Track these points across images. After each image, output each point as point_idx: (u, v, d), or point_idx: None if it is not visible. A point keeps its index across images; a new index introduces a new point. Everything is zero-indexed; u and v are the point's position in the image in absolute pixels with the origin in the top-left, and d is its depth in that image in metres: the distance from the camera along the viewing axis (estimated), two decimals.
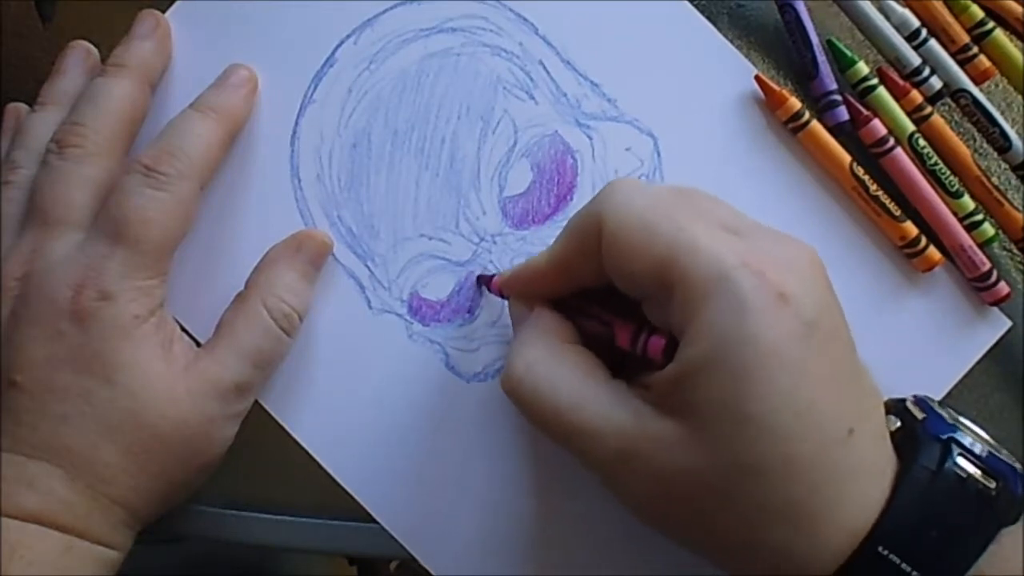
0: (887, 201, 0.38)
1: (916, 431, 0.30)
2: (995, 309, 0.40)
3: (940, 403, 0.33)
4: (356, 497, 0.39)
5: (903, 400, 0.32)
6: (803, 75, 0.40)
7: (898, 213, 0.38)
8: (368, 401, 0.39)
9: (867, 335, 0.39)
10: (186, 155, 0.36)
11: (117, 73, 0.37)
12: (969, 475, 0.29)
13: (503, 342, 0.39)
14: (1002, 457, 0.30)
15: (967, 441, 0.30)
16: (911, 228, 0.38)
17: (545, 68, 0.39)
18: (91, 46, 0.40)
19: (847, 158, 0.38)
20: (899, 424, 0.31)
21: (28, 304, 0.34)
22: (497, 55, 0.39)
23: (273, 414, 0.39)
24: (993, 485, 0.29)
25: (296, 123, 0.39)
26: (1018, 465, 0.31)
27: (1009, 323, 0.40)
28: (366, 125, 0.39)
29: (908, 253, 0.39)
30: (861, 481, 0.29)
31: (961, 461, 0.29)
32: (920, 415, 0.31)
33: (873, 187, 0.38)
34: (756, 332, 0.27)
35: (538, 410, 0.32)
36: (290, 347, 0.38)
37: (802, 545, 0.29)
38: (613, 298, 0.32)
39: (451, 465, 0.39)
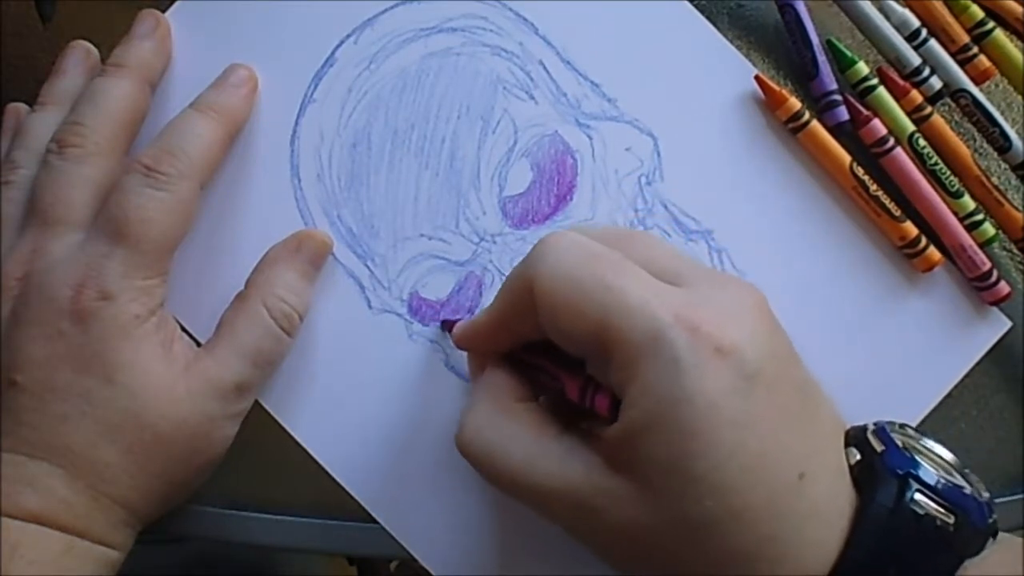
0: (887, 201, 0.38)
1: (875, 465, 0.30)
2: (995, 309, 0.40)
3: (902, 426, 0.33)
4: (356, 496, 0.39)
5: (865, 428, 0.32)
6: (803, 75, 0.39)
7: (898, 213, 0.38)
8: (368, 401, 0.39)
9: (867, 335, 0.39)
10: (186, 155, 0.36)
11: (117, 73, 0.37)
12: (927, 512, 0.29)
13: None
14: (963, 486, 0.30)
15: (927, 474, 0.30)
16: (911, 228, 0.38)
17: (545, 68, 0.39)
18: (91, 46, 0.40)
19: (847, 158, 0.38)
20: (859, 457, 0.31)
21: (28, 304, 0.34)
22: (497, 55, 0.39)
23: (273, 414, 0.39)
24: (952, 520, 0.29)
25: (296, 123, 0.39)
26: (983, 493, 0.31)
27: (1009, 323, 0.40)
28: (366, 125, 0.39)
29: (908, 253, 0.39)
30: (816, 524, 0.29)
31: (919, 497, 0.29)
32: (879, 447, 0.31)
33: (873, 187, 0.38)
34: (693, 390, 0.27)
35: (491, 471, 0.32)
36: (290, 347, 0.38)
37: None
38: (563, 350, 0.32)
39: (451, 464, 0.39)
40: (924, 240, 0.39)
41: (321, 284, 0.39)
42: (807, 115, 0.38)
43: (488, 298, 0.39)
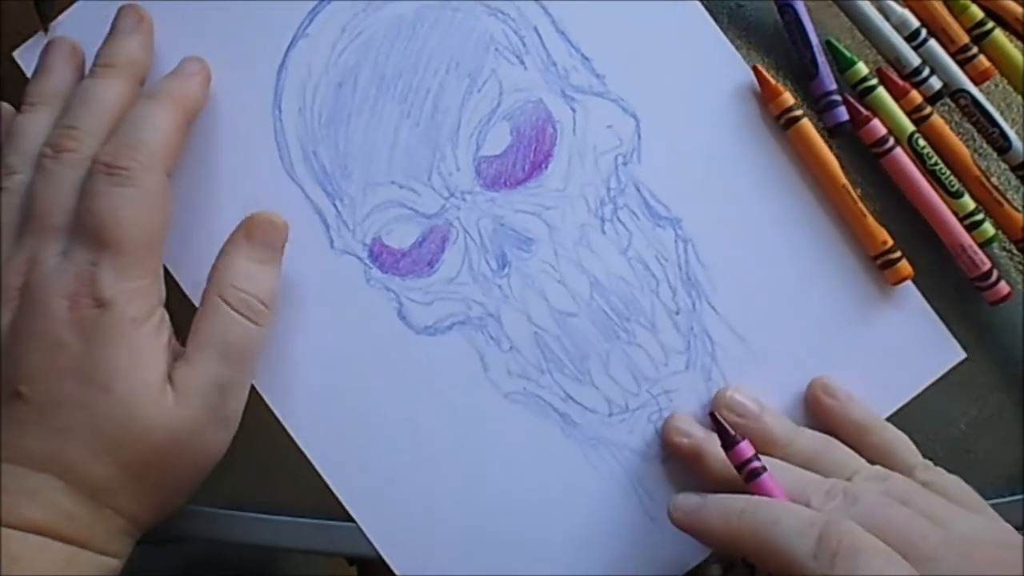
0: (867, 207, 0.38)
1: None
2: (951, 339, 0.39)
3: None
4: (294, 436, 0.39)
5: None
6: (803, 75, 0.40)
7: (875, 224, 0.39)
8: (316, 340, 0.39)
9: (826, 343, 0.40)
10: (145, 145, 0.35)
11: (108, 74, 0.37)
12: None
13: (458, 299, 0.39)
14: None
15: None
16: (887, 237, 0.39)
17: (539, 35, 0.40)
18: (75, 41, 0.39)
19: (835, 160, 0.38)
20: None
21: (27, 316, 0.34)
22: (494, 15, 0.40)
23: None
24: None
25: (286, 54, 0.40)
26: None
27: (963, 356, 0.39)
28: (355, 66, 0.40)
29: (881, 263, 0.39)
30: None
31: None
32: None
33: (856, 192, 0.38)
34: None
35: None
36: (263, 336, 0.37)
37: None
38: None
39: (392, 414, 0.40)
40: (898, 252, 0.39)
41: (285, 217, 0.39)
42: (800, 111, 0.39)
43: (451, 254, 0.39)
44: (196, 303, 0.38)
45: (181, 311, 0.38)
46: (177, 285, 0.39)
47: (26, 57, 0.41)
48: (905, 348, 0.39)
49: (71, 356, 0.34)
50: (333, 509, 0.40)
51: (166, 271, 0.38)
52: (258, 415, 0.39)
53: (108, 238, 0.34)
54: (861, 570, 0.30)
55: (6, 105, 0.40)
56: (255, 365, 0.38)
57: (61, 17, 0.40)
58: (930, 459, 0.37)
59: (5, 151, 0.37)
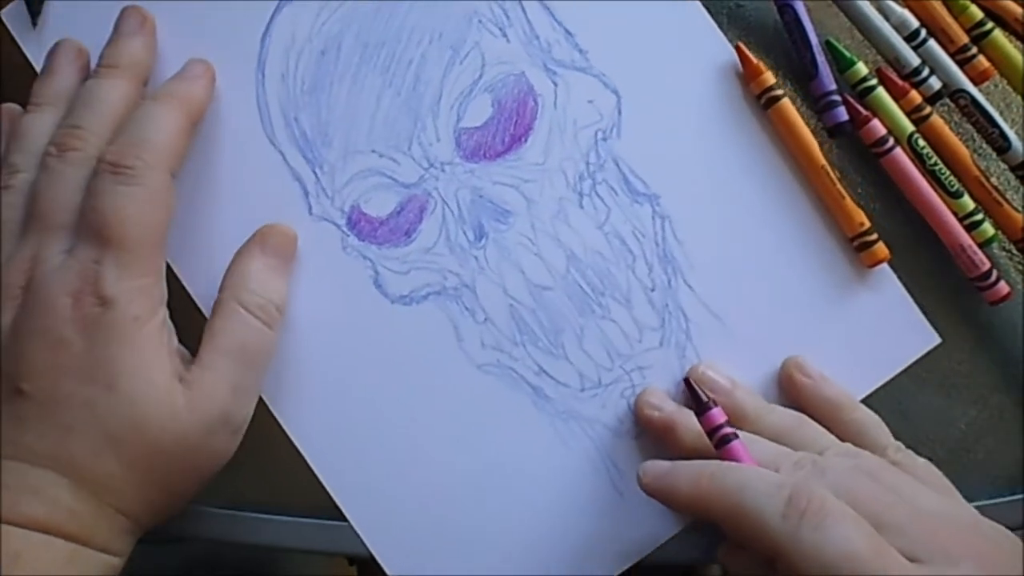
0: (845, 189, 0.38)
1: None
2: (927, 324, 0.39)
3: None
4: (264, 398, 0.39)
5: None
6: (803, 75, 0.40)
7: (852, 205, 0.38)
8: (289, 306, 0.39)
9: (800, 324, 0.40)
10: (150, 144, 0.36)
11: (112, 75, 0.38)
12: None
13: (434, 269, 0.40)
14: None
15: None
16: (864, 219, 0.38)
17: (522, 8, 0.40)
18: (80, 43, 0.40)
19: (813, 141, 0.39)
20: None
21: (30, 313, 0.34)
22: None
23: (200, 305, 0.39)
24: None
25: (271, 20, 0.40)
26: None
27: (938, 340, 0.39)
28: (338, 34, 0.40)
29: (858, 245, 0.39)
30: None
31: None
32: None
33: (835, 174, 0.38)
34: None
35: None
36: (275, 341, 0.38)
37: None
38: None
39: (363, 382, 0.40)
40: (875, 235, 0.39)
41: (265, 183, 0.39)
42: (781, 91, 0.39)
43: (428, 224, 0.39)
44: (179, 277, 0.39)
45: (180, 312, 0.38)
46: (177, 287, 0.40)
47: (10, 18, 0.41)
48: (880, 331, 0.39)
49: (73, 354, 0.34)
50: (333, 509, 0.40)
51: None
52: (259, 415, 0.39)
53: (111, 236, 0.34)
54: (828, 531, 0.30)
55: (12, 105, 0.40)
56: (267, 370, 0.38)
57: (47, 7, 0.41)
58: (930, 459, 0.37)
59: (10, 150, 0.38)
